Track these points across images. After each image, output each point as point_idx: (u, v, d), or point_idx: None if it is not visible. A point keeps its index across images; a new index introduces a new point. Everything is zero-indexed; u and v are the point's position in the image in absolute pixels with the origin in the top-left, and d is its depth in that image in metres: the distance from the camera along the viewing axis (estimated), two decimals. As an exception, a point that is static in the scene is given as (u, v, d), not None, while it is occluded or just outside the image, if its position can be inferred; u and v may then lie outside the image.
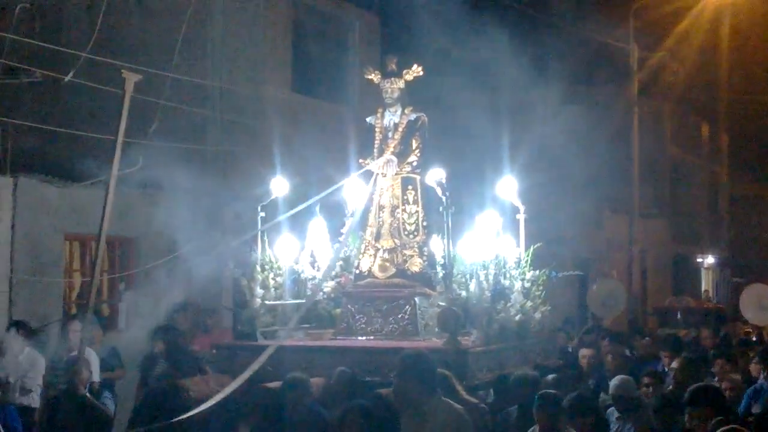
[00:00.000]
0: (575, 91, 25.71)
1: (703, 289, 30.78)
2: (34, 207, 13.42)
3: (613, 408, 8.39)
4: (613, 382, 8.38)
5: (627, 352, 12.80)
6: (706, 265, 32.40)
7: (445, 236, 9.21)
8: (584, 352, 11.53)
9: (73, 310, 15.07)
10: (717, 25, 28.41)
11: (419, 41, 18.18)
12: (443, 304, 9.12)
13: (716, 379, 9.92)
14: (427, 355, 6.24)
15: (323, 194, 9.27)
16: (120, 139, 7.60)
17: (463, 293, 9.27)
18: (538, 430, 7.24)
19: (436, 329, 9.38)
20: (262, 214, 9.67)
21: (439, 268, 9.68)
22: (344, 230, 10.02)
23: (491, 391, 9.02)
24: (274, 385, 7.76)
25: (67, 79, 14.05)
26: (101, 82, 14.13)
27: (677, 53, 27.60)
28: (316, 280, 9.86)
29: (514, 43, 20.88)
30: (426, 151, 10.10)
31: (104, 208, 7.61)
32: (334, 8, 19.48)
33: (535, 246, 10.26)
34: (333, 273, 9.97)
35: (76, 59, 14.11)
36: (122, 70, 8.14)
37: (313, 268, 10.07)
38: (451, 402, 6.07)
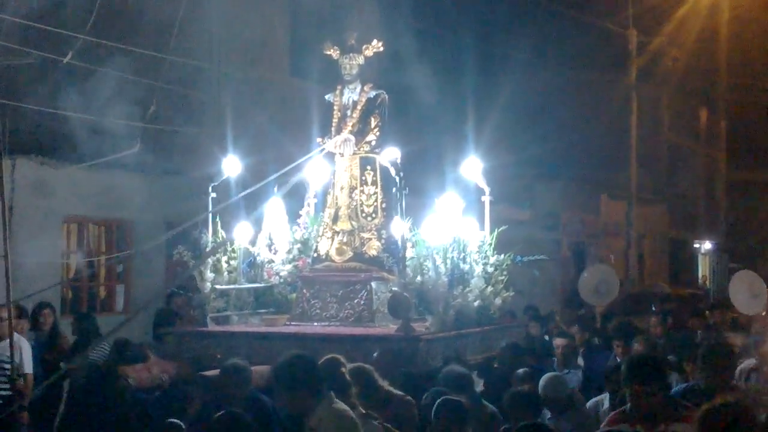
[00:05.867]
0: (574, 76, 25.86)
1: (699, 274, 30.65)
2: (32, 189, 13.59)
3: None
4: (541, 382, 7.70)
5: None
6: (703, 251, 32.17)
7: (400, 218, 9.02)
8: (558, 342, 10.93)
9: (70, 293, 15.31)
10: (716, 11, 28.27)
11: (417, 24, 18.19)
12: (396, 289, 8.86)
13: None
14: (302, 361, 5.74)
15: (276, 175, 9.03)
16: None
17: (419, 278, 9.04)
18: None
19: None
20: (213, 194, 9.46)
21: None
22: (303, 212, 9.92)
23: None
24: (213, 373, 7.58)
25: (65, 60, 14.16)
26: (99, 63, 14.27)
27: (676, 39, 27.46)
28: (273, 264, 9.74)
29: (514, 27, 20.92)
30: (385, 130, 9.81)
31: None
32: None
33: (500, 229, 10.01)
34: (291, 256, 9.87)
35: (74, 41, 14.24)
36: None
37: (270, 251, 9.89)
38: (341, 408, 5.71)
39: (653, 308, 16.42)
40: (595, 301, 17.37)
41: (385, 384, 6.89)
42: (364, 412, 6.20)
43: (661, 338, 12.08)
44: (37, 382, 9.90)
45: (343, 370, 6.42)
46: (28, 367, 9.81)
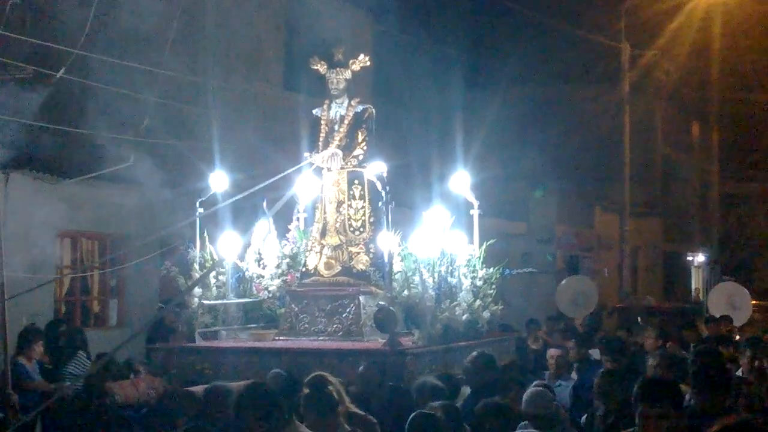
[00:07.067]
0: (566, 90, 25.96)
1: (693, 287, 30.63)
2: (25, 203, 13.58)
3: (526, 423, 7.38)
4: (525, 396, 7.45)
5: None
6: (696, 264, 32.18)
7: (386, 232, 9.01)
8: (552, 352, 11.02)
9: (63, 308, 15.30)
10: (708, 24, 28.36)
11: (409, 39, 18.23)
12: (382, 303, 8.84)
13: None
14: (262, 387, 5.78)
15: (258, 186, 9.04)
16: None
17: (406, 292, 9.00)
18: None
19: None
20: (200, 209, 9.44)
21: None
22: (292, 226, 9.91)
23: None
24: (200, 388, 7.51)
25: (59, 75, 14.17)
26: (93, 78, 14.29)
27: (669, 52, 27.53)
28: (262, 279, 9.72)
29: (506, 41, 20.99)
30: (373, 144, 9.81)
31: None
32: (325, 5, 19.57)
33: (488, 242, 10.02)
34: (280, 271, 9.87)
35: (68, 55, 14.26)
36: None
37: (259, 265, 9.87)
38: (302, 429, 5.72)
39: (639, 322, 16.31)
40: (573, 313, 17.21)
41: (347, 400, 6.76)
42: (350, 429, 6.20)
43: (656, 352, 12.05)
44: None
45: (331, 388, 6.35)
46: None
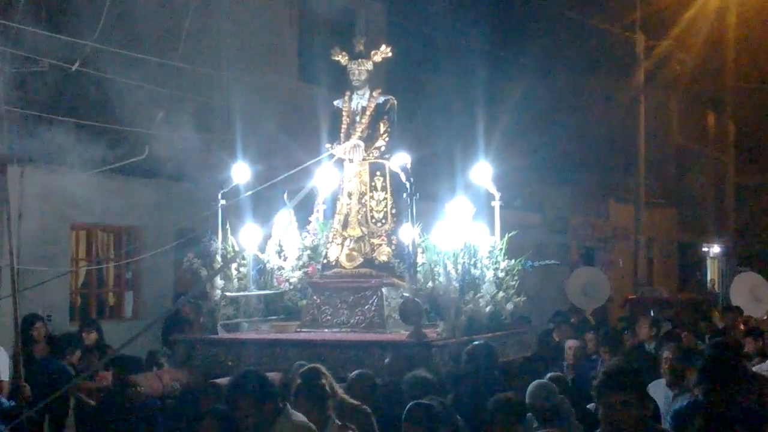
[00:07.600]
0: (581, 81, 25.90)
1: (708, 278, 30.60)
2: (40, 196, 13.58)
3: (530, 415, 7.25)
4: (529, 389, 7.33)
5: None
6: (711, 254, 32.12)
7: (410, 224, 8.99)
8: (570, 344, 11.12)
9: (79, 300, 15.33)
10: (723, 14, 28.32)
11: (423, 29, 18.17)
12: (407, 295, 8.83)
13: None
14: (255, 375, 5.76)
15: (281, 176, 9.03)
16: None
17: (430, 284, 9.01)
18: None
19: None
20: (223, 201, 9.42)
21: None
22: (312, 218, 9.90)
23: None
24: (225, 380, 7.33)
25: (74, 68, 14.17)
26: (108, 70, 14.28)
27: (684, 42, 27.45)
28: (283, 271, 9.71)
29: (522, 32, 20.95)
30: (394, 135, 9.79)
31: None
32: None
33: (510, 234, 10.01)
34: (301, 263, 9.86)
35: (83, 48, 14.24)
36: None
37: (280, 257, 9.85)
38: (299, 421, 5.71)
39: (651, 313, 16.27)
40: (583, 304, 17.17)
41: (340, 391, 6.74)
42: (339, 423, 6.18)
43: (651, 343, 12.04)
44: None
45: (323, 381, 6.34)
46: (4, 374, 9.74)
